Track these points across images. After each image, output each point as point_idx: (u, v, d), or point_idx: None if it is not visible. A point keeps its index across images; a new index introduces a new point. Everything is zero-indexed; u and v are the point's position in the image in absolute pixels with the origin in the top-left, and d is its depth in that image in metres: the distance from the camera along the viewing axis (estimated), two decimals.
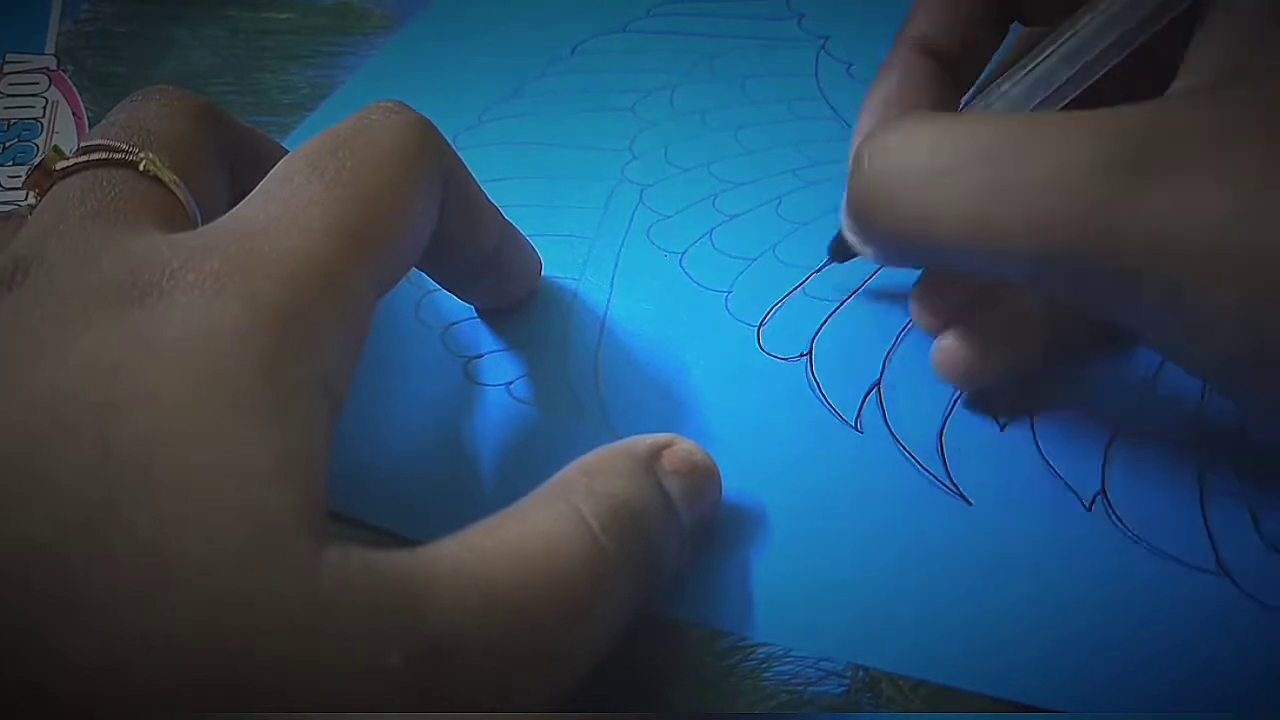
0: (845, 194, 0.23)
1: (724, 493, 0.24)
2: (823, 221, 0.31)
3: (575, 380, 0.27)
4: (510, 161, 0.33)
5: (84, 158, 0.21)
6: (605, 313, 0.29)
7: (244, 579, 0.16)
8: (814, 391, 0.27)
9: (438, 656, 0.17)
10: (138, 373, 0.17)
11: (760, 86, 0.35)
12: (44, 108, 0.36)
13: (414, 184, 0.21)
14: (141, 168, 0.21)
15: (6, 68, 0.37)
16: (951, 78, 0.26)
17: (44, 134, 0.35)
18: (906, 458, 0.26)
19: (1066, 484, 0.25)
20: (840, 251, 0.27)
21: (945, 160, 0.20)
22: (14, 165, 0.34)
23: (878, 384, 0.27)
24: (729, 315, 0.29)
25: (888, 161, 0.21)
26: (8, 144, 0.35)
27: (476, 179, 0.25)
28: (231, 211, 0.20)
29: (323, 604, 0.16)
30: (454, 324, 0.29)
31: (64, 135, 0.35)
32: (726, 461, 0.24)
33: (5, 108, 0.36)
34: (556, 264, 0.30)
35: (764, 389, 0.27)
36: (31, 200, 0.22)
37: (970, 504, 0.25)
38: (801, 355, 0.28)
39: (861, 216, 0.22)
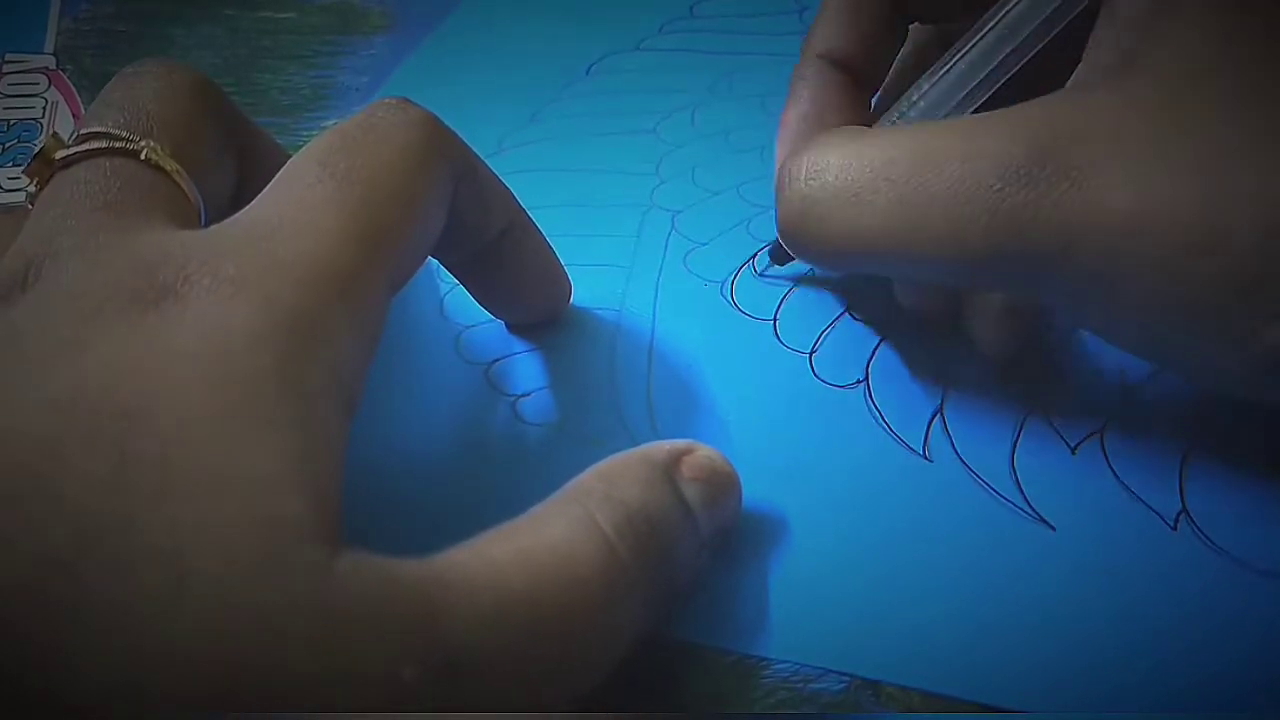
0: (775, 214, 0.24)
1: (794, 524, 0.23)
2: None
3: (630, 416, 0.26)
4: (536, 189, 0.32)
5: (84, 146, 0.21)
6: (651, 344, 0.28)
7: (257, 590, 0.16)
8: (876, 420, 0.26)
9: (451, 669, 0.16)
10: (154, 378, 0.17)
11: (781, 104, 0.34)
12: (43, 108, 0.35)
13: (425, 181, 0.21)
14: (143, 157, 0.21)
15: (6, 67, 0.36)
16: (859, 85, 0.27)
17: (43, 134, 0.35)
18: (981, 485, 0.25)
19: (1146, 504, 0.24)
20: (779, 255, 0.29)
21: (856, 181, 0.22)
22: (14, 166, 0.34)
23: (940, 409, 0.26)
24: (779, 343, 0.28)
25: (805, 186, 0.23)
26: (7, 144, 0.34)
27: None
28: (243, 211, 0.20)
29: (336, 615, 0.16)
30: (497, 360, 0.28)
31: (63, 135, 0.34)
32: (794, 493, 0.23)
33: (5, 108, 0.35)
34: (594, 295, 0.29)
35: (823, 418, 0.26)
36: (32, 188, 0.22)
37: (1054, 529, 0.24)
38: (858, 382, 0.27)
39: (788, 238, 0.24)
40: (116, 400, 0.17)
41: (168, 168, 0.21)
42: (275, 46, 0.37)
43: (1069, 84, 0.22)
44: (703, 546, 0.22)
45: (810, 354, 0.28)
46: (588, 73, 0.36)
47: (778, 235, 0.25)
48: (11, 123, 0.35)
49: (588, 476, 0.21)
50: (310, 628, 0.16)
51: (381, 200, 0.20)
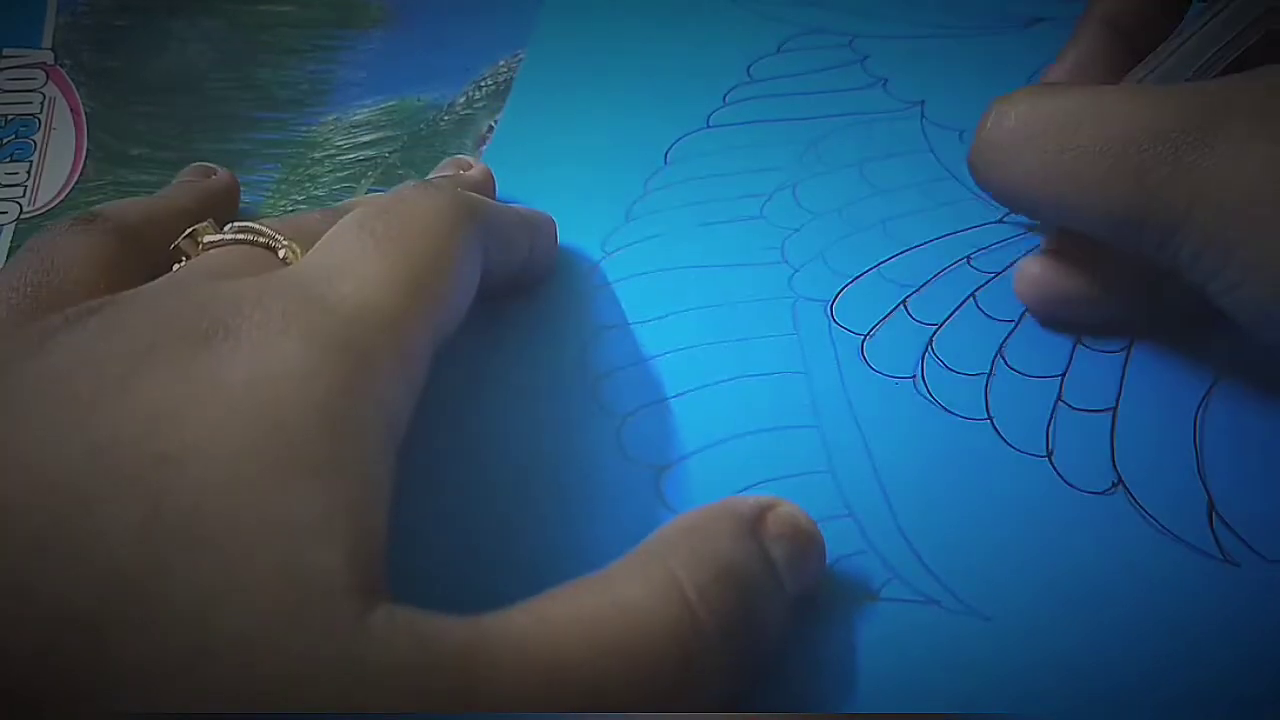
0: None
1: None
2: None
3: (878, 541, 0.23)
4: (661, 294, 0.29)
5: (231, 236, 0.23)
6: (873, 465, 0.25)
7: (283, 650, 0.15)
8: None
9: None
10: (197, 420, 0.17)
11: (881, 172, 0.32)
12: (41, 103, 0.35)
13: (456, 238, 0.22)
14: (281, 255, 0.22)
15: (3, 63, 0.36)
16: (1132, 50, 0.27)
17: (41, 130, 0.34)
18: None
19: None
20: None
21: (1030, 129, 0.24)
22: (11, 161, 0.33)
23: (1210, 505, 0.24)
24: (1003, 443, 0.25)
25: (992, 129, 0.24)
26: (5, 140, 0.34)
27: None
28: (291, 266, 0.21)
29: (365, 675, 0.16)
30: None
31: (61, 131, 0.34)
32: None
33: (2, 103, 0.35)
34: (781, 412, 0.26)
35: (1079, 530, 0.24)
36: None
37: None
38: (1114, 485, 0.24)
39: (973, 172, 0.26)
40: (156, 445, 0.16)
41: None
42: (274, 40, 0.37)
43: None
44: (788, 610, 0.21)
45: (1049, 456, 0.25)
46: (666, 160, 0.33)
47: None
48: (9, 118, 0.34)
49: (670, 530, 0.20)
50: (335, 685, 0.15)
51: (417, 254, 0.21)
